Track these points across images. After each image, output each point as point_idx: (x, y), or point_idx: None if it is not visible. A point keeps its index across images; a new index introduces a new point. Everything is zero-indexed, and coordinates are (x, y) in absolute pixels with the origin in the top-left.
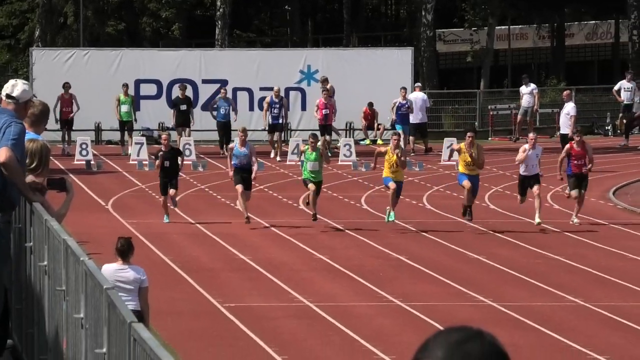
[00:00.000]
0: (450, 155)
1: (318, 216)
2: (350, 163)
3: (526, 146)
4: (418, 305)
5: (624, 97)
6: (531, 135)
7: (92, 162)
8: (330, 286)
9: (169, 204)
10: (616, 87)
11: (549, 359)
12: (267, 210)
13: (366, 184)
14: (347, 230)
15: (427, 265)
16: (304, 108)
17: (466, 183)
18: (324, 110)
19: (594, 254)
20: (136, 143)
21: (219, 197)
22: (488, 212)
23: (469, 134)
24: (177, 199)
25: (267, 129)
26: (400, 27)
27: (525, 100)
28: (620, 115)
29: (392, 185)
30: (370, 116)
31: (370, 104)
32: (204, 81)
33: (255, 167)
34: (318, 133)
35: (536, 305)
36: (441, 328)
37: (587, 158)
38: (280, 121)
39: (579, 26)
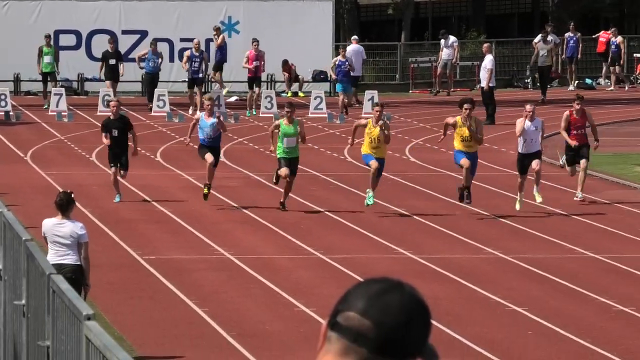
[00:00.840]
0: (445, 132)
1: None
2: (272, 115)
3: (521, 119)
4: (338, 258)
5: (540, 60)
6: (528, 107)
7: (11, 113)
8: (250, 239)
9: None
10: (536, 40)
11: (468, 311)
12: (189, 162)
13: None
14: (267, 183)
15: (347, 218)
16: (224, 60)
17: (464, 162)
18: (254, 62)
19: (509, 205)
20: (55, 94)
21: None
22: (408, 164)
23: (465, 105)
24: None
25: (187, 82)
26: None
27: (445, 54)
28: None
29: (373, 164)
30: (287, 71)
31: (284, 62)
32: (124, 32)
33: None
34: (286, 101)
35: (455, 258)
36: (361, 280)
37: (585, 127)
38: (201, 75)
39: None
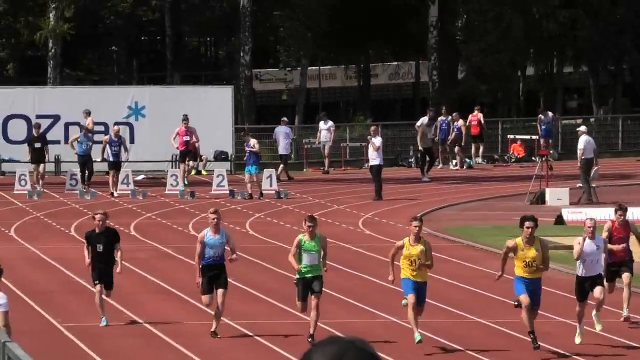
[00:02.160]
0: (504, 261)
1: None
2: (177, 193)
3: (579, 238)
4: (245, 324)
5: (427, 142)
6: (588, 222)
7: None
8: (162, 306)
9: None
10: (418, 123)
11: None
12: None
13: (192, 212)
14: (175, 255)
15: (253, 286)
16: (132, 141)
17: (524, 299)
18: (184, 137)
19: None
20: None
21: (54, 223)
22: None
23: (527, 223)
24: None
25: (108, 166)
26: (219, 67)
27: (323, 136)
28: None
29: (410, 298)
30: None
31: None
32: (38, 116)
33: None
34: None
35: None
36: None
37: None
38: (123, 159)
39: (382, 67)
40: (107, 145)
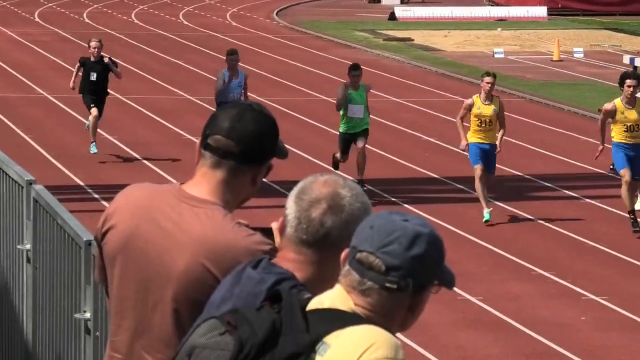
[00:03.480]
0: (603, 129)
1: None
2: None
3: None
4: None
5: None
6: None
7: None
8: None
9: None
10: None
11: None
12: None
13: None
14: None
15: None
16: None
17: (625, 172)
18: None
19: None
20: None
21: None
22: None
23: (628, 82)
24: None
25: None
26: None
27: None
28: None
29: (477, 169)
30: None
31: None
32: None
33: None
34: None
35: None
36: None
37: None
38: None
39: None
40: None
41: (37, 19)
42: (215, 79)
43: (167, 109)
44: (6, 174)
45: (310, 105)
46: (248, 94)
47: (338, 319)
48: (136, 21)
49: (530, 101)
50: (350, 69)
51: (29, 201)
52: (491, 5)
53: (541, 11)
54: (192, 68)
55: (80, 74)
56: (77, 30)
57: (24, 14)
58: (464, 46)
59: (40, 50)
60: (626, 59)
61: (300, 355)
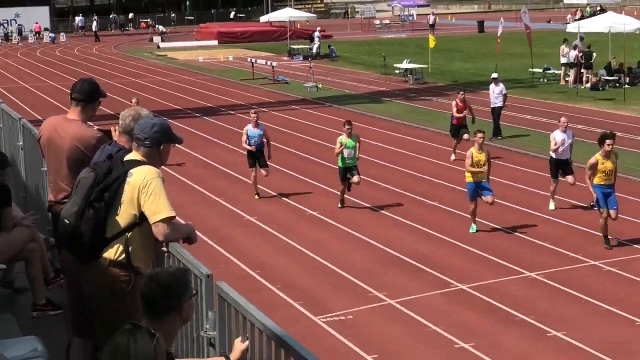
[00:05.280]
0: (592, 180)
1: None
2: None
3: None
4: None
5: None
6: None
7: None
8: None
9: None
10: None
11: None
12: None
13: None
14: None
15: None
16: None
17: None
18: None
19: None
20: None
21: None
22: None
23: (607, 141)
24: None
25: None
26: None
27: None
28: None
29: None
30: None
31: None
32: None
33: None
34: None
35: None
36: None
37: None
38: None
39: None
40: None
41: None
42: None
43: None
44: None
45: None
46: None
47: (135, 163)
48: None
49: None
50: (345, 124)
51: None
52: None
53: None
54: None
55: None
56: None
57: None
58: None
59: None
60: None
61: (120, 177)
